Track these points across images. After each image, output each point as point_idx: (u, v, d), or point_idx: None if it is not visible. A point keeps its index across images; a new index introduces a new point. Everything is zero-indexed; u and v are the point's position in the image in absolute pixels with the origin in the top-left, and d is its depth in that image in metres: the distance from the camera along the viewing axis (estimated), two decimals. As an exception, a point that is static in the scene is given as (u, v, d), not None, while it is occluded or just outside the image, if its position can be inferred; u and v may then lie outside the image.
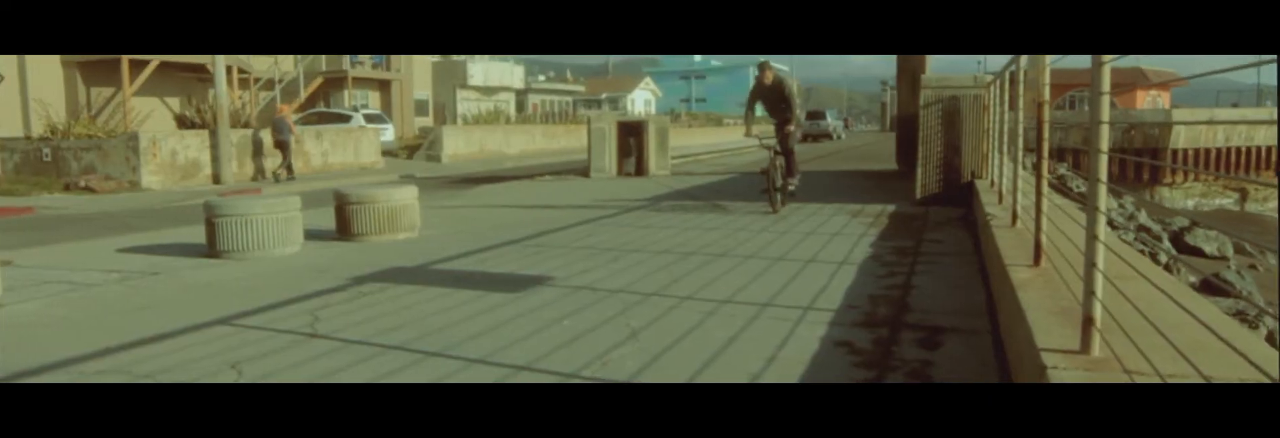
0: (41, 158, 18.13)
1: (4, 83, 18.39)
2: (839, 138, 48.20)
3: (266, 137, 19.47)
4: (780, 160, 9.51)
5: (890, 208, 9.78)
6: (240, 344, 4.25)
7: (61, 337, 4.61)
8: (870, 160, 21.03)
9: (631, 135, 16.38)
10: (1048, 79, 4.39)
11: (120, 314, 5.15)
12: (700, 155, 23.94)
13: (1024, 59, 5.68)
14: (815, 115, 48.65)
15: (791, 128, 9.74)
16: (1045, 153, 4.46)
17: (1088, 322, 2.60)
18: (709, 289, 5.35)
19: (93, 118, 22.76)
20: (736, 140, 36.11)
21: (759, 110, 10.68)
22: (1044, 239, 4.16)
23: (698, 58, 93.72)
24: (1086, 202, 2.76)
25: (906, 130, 14.73)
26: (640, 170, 16.24)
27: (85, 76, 24.32)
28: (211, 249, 7.16)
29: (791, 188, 9.81)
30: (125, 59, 23.31)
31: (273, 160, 19.34)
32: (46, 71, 23.47)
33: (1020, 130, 6.31)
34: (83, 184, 16.76)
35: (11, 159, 18.40)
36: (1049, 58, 4.41)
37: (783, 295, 5.12)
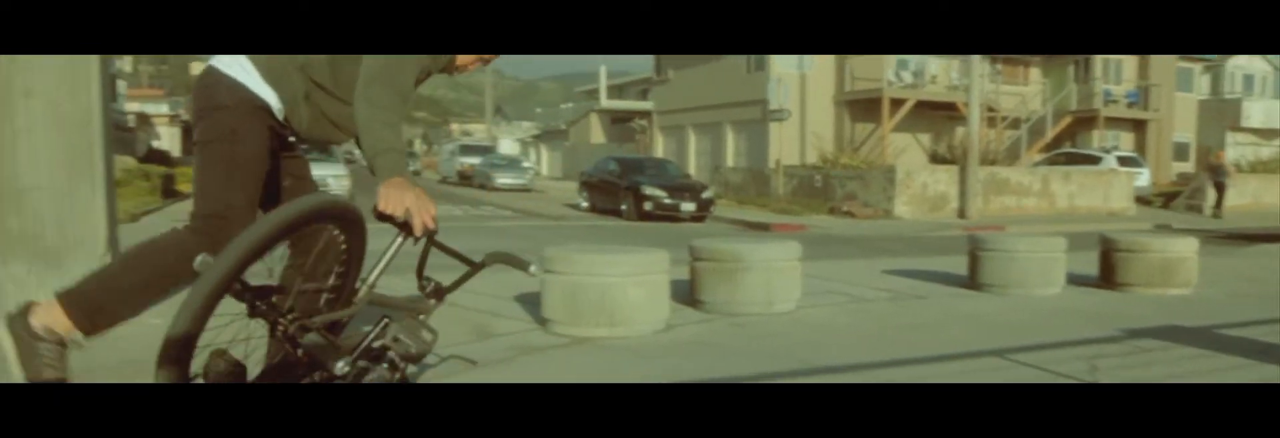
0: (814, 184, 20.54)
1: (790, 118, 21.24)
2: None
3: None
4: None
5: None
6: (1014, 378, 4.23)
7: (847, 342, 5.08)
8: None
9: None
10: None
11: (895, 330, 5.51)
12: None
13: None
14: None
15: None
16: None
17: None
18: None
19: (856, 150, 25.17)
20: None
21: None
22: None
23: None
24: None
25: None
26: None
27: (851, 113, 26.93)
28: (972, 281, 7.31)
29: None
30: (886, 98, 25.31)
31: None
32: (820, 108, 26.55)
33: None
34: (844, 209, 18.56)
35: (790, 183, 21.16)
36: None
37: None
